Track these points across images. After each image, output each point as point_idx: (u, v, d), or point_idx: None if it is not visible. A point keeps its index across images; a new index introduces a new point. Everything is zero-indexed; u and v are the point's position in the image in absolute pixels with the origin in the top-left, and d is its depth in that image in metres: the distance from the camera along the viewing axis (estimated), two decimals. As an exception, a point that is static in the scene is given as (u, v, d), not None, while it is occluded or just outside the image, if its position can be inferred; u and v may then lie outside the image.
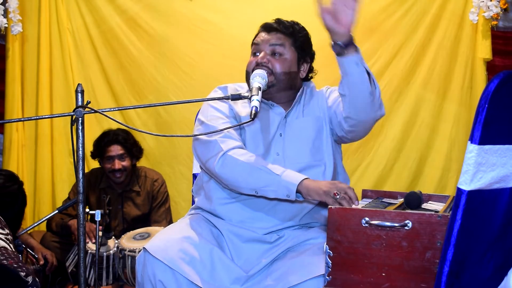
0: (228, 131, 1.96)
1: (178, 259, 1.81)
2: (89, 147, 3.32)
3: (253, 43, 2.07)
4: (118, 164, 3.15)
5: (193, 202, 2.21)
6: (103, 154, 3.18)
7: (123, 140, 3.17)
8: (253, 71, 1.97)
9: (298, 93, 2.08)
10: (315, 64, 2.16)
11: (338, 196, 1.72)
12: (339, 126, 2.00)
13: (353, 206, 1.70)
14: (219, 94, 2.07)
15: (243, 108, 2.05)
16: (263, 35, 2.05)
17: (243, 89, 2.10)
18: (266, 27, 2.06)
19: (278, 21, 2.07)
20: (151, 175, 3.32)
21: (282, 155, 1.99)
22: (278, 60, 2.01)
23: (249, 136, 2.01)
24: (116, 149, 3.16)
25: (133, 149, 3.21)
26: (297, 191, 1.79)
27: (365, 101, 1.85)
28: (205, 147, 1.96)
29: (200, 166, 2.12)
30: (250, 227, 1.95)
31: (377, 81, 1.85)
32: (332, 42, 1.78)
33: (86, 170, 3.34)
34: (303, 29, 2.10)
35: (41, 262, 2.75)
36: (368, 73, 1.80)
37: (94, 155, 3.25)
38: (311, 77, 2.16)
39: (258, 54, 2.03)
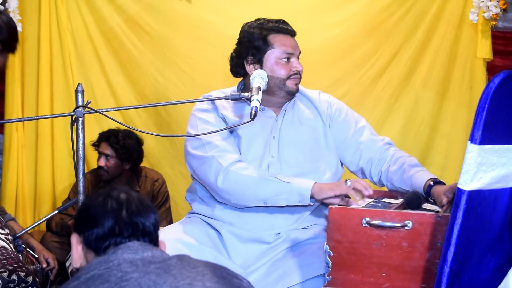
0: (222, 144, 1.95)
1: None
2: (89, 147, 3.32)
3: (283, 51, 2.02)
4: (101, 162, 3.17)
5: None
6: (98, 148, 3.21)
7: (113, 141, 3.16)
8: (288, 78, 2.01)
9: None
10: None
11: (348, 183, 1.75)
12: (356, 169, 2.11)
13: (357, 206, 1.70)
14: (205, 103, 2.06)
15: (233, 113, 2.05)
16: (291, 41, 2.05)
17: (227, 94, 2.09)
18: (290, 31, 2.06)
19: (288, 24, 2.08)
20: (152, 175, 3.32)
21: (277, 158, 1.99)
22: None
23: (245, 139, 2.01)
24: (103, 147, 3.18)
25: (120, 152, 3.17)
26: (311, 195, 1.81)
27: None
28: (202, 163, 1.95)
29: (192, 176, 2.11)
30: (250, 229, 1.95)
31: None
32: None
33: (86, 170, 3.33)
34: None
35: (44, 265, 2.75)
36: None
37: (95, 146, 3.26)
38: None
39: (287, 60, 2.02)
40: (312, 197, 1.82)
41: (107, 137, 3.17)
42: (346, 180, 1.76)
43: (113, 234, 1.17)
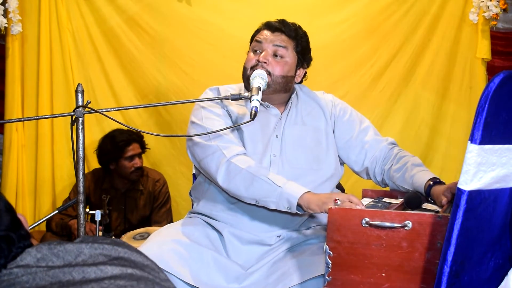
0: (227, 134, 1.95)
1: (172, 261, 1.80)
2: (89, 147, 3.32)
3: (254, 40, 2.03)
4: (139, 162, 3.20)
5: (193, 205, 2.20)
6: (122, 155, 3.16)
7: (138, 138, 3.21)
8: (251, 69, 1.95)
9: (292, 96, 2.08)
10: (315, 65, 2.15)
11: (338, 203, 1.69)
12: (360, 168, 2.09)
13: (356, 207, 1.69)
14: (210, 96, 2.05)
15: (238, 108, 2.04)
16: (267, 33, 2.01)
17: (234, 90, 2.07)
18: (271, 26, 2.02)
19: (283, 22, 2.03)
20: (153, 175, 3.32)
21: (279, 157, 1.98)
22: (279, 63, 1.98)
23: (248, 136, 2.00)
24: (135, 148, 3.19)
25: (145, 148, 3.26)
26: (298, 204, 1.76)
27: None
28: (204, 151, 1.93)
29: (195, 168, 2.10)
30: (250, 231, 1.95)
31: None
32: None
33: (86, 170, 3.33)
34: (305, 34, 2.07)
35: None
36: None
37: (109, 159, 3.18)
38: (301, 81, 2.14)
39: (258, 52, 1.99)
40: (299, 205, 1.76)
41: (132, 139, 3.18)
42: (336, 200, 1.69)
43: None
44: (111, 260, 1.00)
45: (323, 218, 1.99)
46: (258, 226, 1.94)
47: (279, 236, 1.94)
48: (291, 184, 1.80)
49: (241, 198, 1.88)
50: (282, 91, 2.02)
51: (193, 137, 1.98)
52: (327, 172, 2.01)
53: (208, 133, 1.91)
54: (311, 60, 2.11)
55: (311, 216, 1.99)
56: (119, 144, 3.16)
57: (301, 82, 2.13)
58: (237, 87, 2.10)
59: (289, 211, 1.79)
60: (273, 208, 1.82)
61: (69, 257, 1.00)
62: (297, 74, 2.06)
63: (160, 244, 1.86)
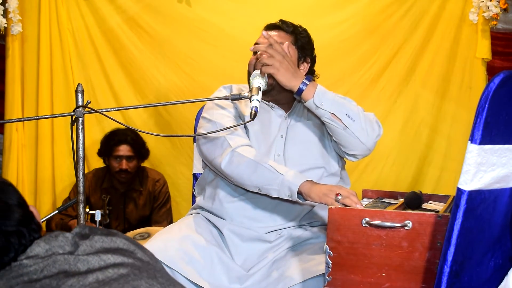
0: (235, 130, 1.96)
1: (178, 259, 1.82)
2: (89, 147, 3.32)
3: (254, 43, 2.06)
4: (125, 165, 3.16)
5: (193, 201, 2.21)
6: (111, 153, 3.17)
7: (132, 141, 3.16)
8: (254, 69, 1.97)
9: None
10: (316, 64, 2.15)
11: (339, 197, 1.71)
12: (340, 153, 2.03)
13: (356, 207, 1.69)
14: (223, 93, 2.07)
15: (246, 108, 2.05)
16: (264, 33, 2.02)
17: (247, 89, 2.09)
18: (268, 27, 2.05)
19: (280, 21, 2.06)
20: (153, 175, 3.32)
21: (283, 156, 1.99)
22: None
23: (252, 136, 2.02)
24: (125, 150, 3.16)
25: (142, 151, 3.22)
26: (299, 192, 1.78)
27: (346, 138, 1.89)
28: (212, 144, 1.96)
29: (203, 163, 2.12)
30: (251, 227, 1.95)
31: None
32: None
33: (86, 170, 3.33)
34: (305, 30, 2.09)
35: None
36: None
37: (101, 153, 3.23)
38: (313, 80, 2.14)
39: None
40: (300, 193, 1.79)
41: (124, 140, 3.15)
42: (338, 194, 1.72)
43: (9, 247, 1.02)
44: (112, 250, 1.05)
45: (324, 214, 1.99)
46: (258, 218, 1.95)
47: (279, 233, 1.95)
48: (293, 173, 1.82)
49: (244, 185, 1.90)
50: (287, 90, 2.01)
51: (203, 132, 2.00)
52: (332, 168, 2.02)
53: (209, 133, 1.93)
54: (315, 56, 2.12)
55: (312, 211, 2.00)
56: (110, 142, 3.16)
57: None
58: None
59: (290, 199, 1.81)
60: (275, 195, 1.84)
61: (73, 249, 1.05)
62: (300, 68, 2.06)
63: (165, 241, 1.87)
